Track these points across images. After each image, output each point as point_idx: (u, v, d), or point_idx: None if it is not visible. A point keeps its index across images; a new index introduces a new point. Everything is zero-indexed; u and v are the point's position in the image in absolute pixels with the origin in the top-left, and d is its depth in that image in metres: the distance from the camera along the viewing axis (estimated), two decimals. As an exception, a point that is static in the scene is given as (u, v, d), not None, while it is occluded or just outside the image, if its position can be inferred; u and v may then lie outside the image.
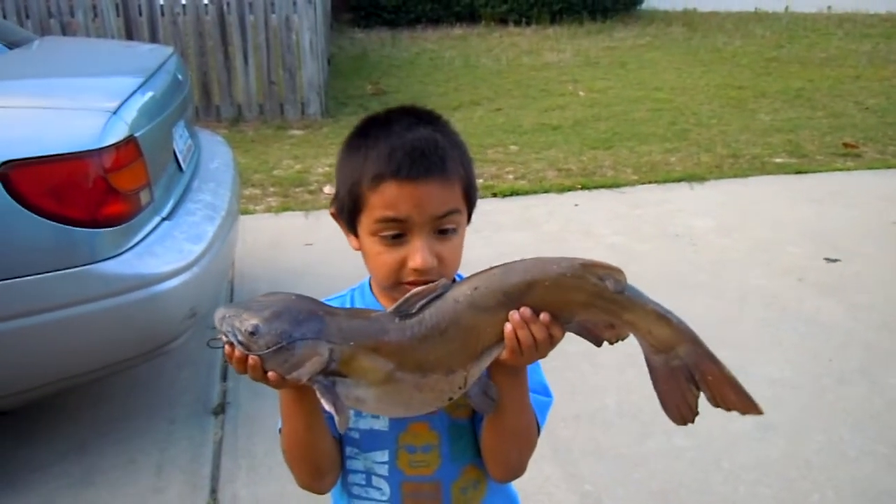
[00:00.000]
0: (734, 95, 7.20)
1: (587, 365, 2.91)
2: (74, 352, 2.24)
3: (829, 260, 3.83)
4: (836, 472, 2.38)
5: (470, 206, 1.09)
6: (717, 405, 0.96)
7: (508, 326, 0.92)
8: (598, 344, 0.97)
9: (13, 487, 2.36)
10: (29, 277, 2.09)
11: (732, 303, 3.44)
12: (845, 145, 5.60)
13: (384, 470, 1.11)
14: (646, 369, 0.98)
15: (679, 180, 5.02)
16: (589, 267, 0.92)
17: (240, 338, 0.91)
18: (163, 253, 2.31)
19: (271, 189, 5.01)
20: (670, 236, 4.16)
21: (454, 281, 1.02)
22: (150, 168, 2.36)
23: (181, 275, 2.29)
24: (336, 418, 0.91)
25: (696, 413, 0.97)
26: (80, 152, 2.15)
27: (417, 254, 1.00)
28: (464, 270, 1.09)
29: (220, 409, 2.73)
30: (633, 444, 2.52)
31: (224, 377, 2.92)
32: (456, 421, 1.10)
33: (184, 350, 2.84)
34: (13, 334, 2.12)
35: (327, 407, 0.91)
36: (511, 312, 0.92)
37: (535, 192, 4.87)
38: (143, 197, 2.33)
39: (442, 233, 1.03)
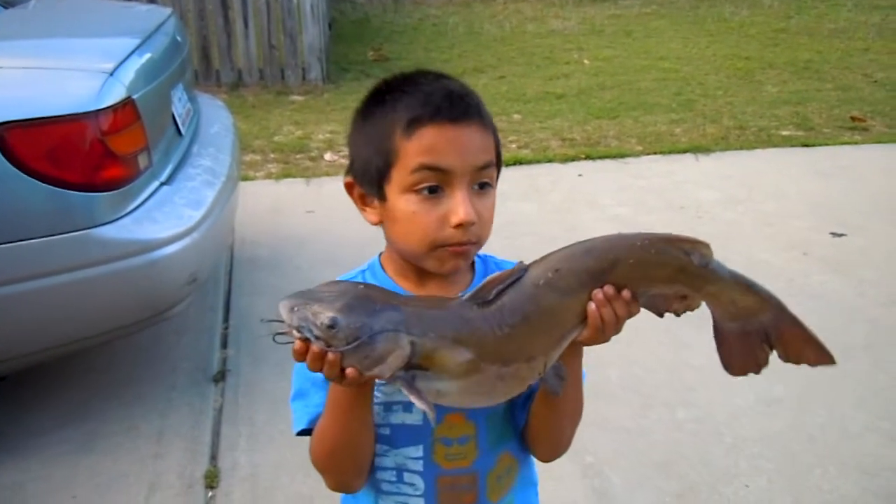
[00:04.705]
0: (741, 66, 7.10)
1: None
2: (73, 317, 2.22)
3: (835, 234, 3.79)
4: (839, 447, 2.37)
5: (499, 168, 1.02)
6: (786, 360, 0.98)
7: (592, 305, 0.89)
8: (661, 315, 0.96)
9: (14, 453, 2.35)
10: (26, 242, 2.06)
11: (737, 276, 3.41)
12: (853, 119, 5.53)
13: (418, 465, 1.04)
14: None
15: (684, 151, 4.96)
16: (674, 241, 0.91)
17: (316, 332, 0.84)
18: (162, 218, 2.28)
19: (272, 155, 4.96)
20: (675, 208, 4.12)
21: (524, 263, 0.96)
22: (148, 131, 2.32)
23: (181, 240, 2.27)
24: (428, 414, 0.86)
25: (765, 365, 0.99)
26: (77, 114, 2.11)
27: (461, 206, 0.92)
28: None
29: (221, 377, 2.71)
30: (635, 416, 2.50)
31: (224, 344, 2.90)
32: (493, 409, 1.03)
33: (183, 316, 2.82)
34: (10, 299, 2.10)
35: (418, 404, 0.86)
36: (595, 291, 0.89)
37: (538, 162, 4.82)
38: (142, 161, 2.29)
39: (480, 187, 0.96)
